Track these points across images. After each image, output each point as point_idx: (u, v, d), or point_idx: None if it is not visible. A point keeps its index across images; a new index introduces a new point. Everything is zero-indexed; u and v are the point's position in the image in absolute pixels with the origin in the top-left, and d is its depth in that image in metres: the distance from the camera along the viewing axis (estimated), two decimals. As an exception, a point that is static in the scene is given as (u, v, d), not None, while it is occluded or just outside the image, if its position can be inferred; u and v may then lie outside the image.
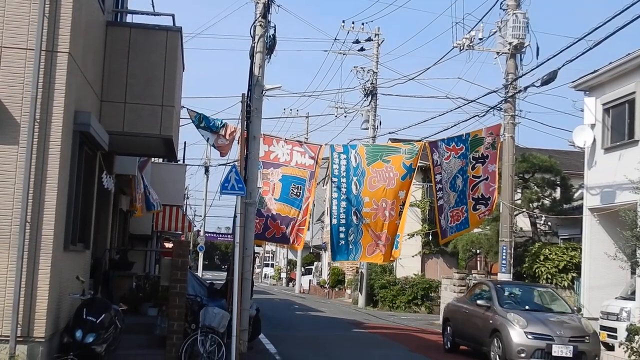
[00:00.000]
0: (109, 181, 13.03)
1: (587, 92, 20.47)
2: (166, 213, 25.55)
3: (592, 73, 19.73)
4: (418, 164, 18.06)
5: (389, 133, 35.37)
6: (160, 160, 23.69)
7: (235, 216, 14.18)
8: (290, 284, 61.60)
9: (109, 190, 13.89)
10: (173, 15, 12.99)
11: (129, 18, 15.30)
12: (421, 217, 35.80)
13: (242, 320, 13.74)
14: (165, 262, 13.29)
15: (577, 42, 16.08)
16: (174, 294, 11.93)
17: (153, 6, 17.45)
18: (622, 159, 18.47)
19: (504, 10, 20.75)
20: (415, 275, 33.68)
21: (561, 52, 16.94)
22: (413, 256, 34.83)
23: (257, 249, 54.03)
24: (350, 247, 17.59)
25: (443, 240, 19.91)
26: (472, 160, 18.18)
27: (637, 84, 18.19)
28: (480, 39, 21.52)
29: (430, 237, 34.07)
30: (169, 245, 29.41)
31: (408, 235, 31.95)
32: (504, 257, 20.48)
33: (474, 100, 23.06)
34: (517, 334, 14.12)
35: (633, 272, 17.11)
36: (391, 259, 19.21)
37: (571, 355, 13.90)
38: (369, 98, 33.81)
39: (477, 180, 18.26)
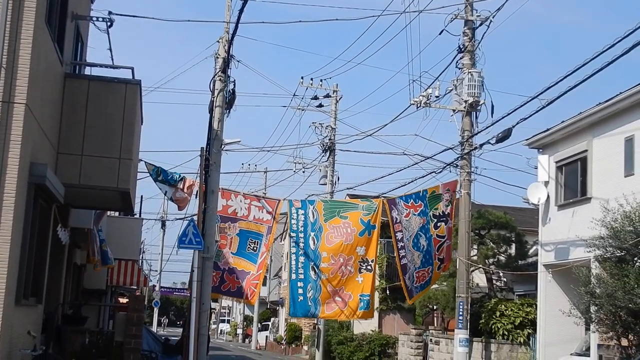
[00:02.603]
0: (64, 234, 12.84)
1: (541, 150, 20.86)
2: (121, 268, 25.18)
3: (545, 131, 20.12)
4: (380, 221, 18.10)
5: (347, 188, 35.33)
6: (116, 213, 23.42)
7: (192, 270, 14.06)
8: (247, 340, 60.76)
9: (63, 243, 13.68)
10: (132, 68, 13.05)
11: (87, 70, 15.27)
12: (379, 273, 35.76)
13: (197, 377, 13.52)
14: (120, 317, 13.09)
15: (530, 100, 16.32)
16: (128, 350, 11.74)
17: (112, 59, 17.39)
18: (575, 216, 18.75)
19: (459, 69, 21.11)
20: (372, 331, 33.48)
21: (515, 110, 17.18)
22: (371, 312, 34.65)
23: (213, 305, 53.45)
24: (309, 303, 17.50)
25: (411, 300, 20.08)
26: (433, 218, 18.37)
27: (588, 142, 18.57)
28: (437, 96, 21.80)
29: (388, 293, 34.00)
30: (123, 300, 28.90)
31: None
32: (460, 313, 20.49)
33: (430, 157, 23.29)
34: None
35: (587, 328, 17.25)
36: (357, 317, 18.85)
37: None
38: (327, 154, 33.97)
39: (442, 240, 18.47)
